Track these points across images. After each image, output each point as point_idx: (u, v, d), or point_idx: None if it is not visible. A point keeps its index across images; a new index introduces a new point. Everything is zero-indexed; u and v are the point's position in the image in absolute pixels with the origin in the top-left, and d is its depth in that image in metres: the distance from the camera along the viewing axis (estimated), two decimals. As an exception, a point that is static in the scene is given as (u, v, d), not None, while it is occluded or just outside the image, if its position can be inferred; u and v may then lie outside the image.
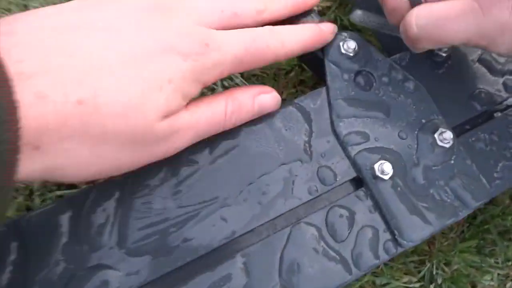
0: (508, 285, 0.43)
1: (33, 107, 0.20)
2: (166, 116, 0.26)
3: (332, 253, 0.33)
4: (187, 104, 0.28)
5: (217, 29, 0.28)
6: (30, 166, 0.21)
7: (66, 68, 0.22)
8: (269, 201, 0.34)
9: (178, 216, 0.32)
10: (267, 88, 0.33)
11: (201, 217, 0.32)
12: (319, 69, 0.39)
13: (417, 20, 0.31)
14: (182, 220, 0.32)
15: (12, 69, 0.19)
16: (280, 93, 0.44)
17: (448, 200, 0.35)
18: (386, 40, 0.45)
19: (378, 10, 0.39)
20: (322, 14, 0.49)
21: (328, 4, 0.49)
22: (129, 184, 0.32)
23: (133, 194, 0.32)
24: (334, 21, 0.48)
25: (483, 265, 0.42)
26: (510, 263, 0.43)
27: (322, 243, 0.33)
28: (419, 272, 0.42)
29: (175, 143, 0.28)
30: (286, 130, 0.35)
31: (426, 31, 0.31)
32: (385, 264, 0.42)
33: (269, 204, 0.33)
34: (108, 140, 0.24)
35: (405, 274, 0.42)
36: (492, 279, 0.43)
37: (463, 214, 0.35)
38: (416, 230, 0.34)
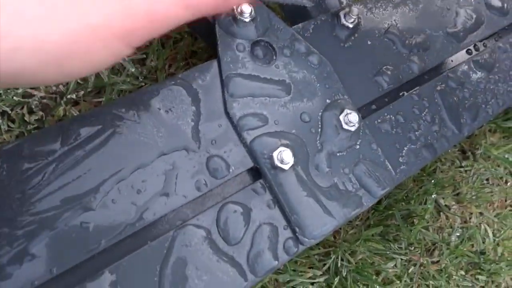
0: (410, 270, 0.42)
1: None
2: None
3: (225, 259, 0.28)
4: None
5: None
6: None
7: None
8: (145, 201, 0.27)
9: (23, 227, 0.24)
10: None
11: (55, 226, 0.25)
12: (211, 38, 0.32)
13: None
14: (30, 230, 0.24)
15: None
16: (168, 67, 0.37)
17: (353, 190, 0.32)
18: (290, 11, 0.40)
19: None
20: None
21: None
22: None
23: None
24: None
25: (387, 252, 0.40)
26: (412, 247, 0.42)
27: (213, 248, 0.28)
28: (324, 265, 0.39)
29: None
30: (167, 112, 0.29)
31: None
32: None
33: (146, 205, 0.27)
34: None
35: (310, 268, 0.38)
36: (395, 265, 0.42)
37: (368, 203, 0.32)
38: (319, 226, 0.30)
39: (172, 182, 0.28)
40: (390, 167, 0.34)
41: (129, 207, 0.27)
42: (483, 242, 0.46)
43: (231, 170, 0.29)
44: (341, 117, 0.32)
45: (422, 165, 0.36)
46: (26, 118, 0.32)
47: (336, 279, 0.38)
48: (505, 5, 0.44)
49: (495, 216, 0.48)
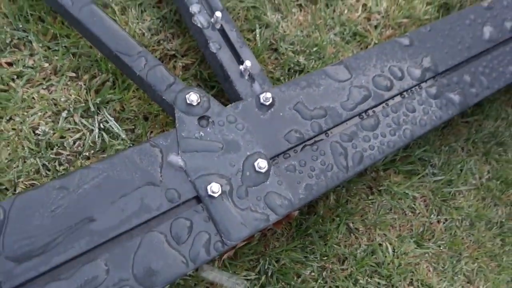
0: (324, 273, 0.57)
1: None
2: None
3: (175, 252, 0.45)
4: None
5: None
6: None
7: None
8: (127, 216, 0.45)
9: (52, 235, 0.42)
10: None
11: (72, 230, 0.43)
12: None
13: None
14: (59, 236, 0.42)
15: None
16: (150, 133, 0.57)
17: (263, 211, 0.49)
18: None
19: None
20: (186, 69, 0.62)
21: (192, 60, 0.63)
22: (11, 205, 0.42)
23: (12, 221, 0.42)
24: (195, 75, 0.61)
25: (305, 260, 0.56)
26: (325, 258, 0.58)
27: (167, 245, 0.45)
28: (256, 267, 0.55)
29: None
30: (142, 161, 0.47)
31: None
32: (230, 263, 0.55)
33: (127, 218, 0.45)
34: None
35: (245, 270, 0.55)
36: (312, 271, 0.57)
37: (274, 219, 0.49)
38: (237, 233, 0.47)
39: (144, 204, 0.46)
40: (291, 196, 0.51)
41: (116, 219, 0.44)
42: (384, 256, 0.61)
43: (181, 198, 0.47)
44: (255, 164, 0.50)
45: (317, 195, 0.53)
46: (58, 168, 0.51)
47: (263, 277, 0.54)
48: (388, 83, 0.63)
49: (396, 237, 0.63)
